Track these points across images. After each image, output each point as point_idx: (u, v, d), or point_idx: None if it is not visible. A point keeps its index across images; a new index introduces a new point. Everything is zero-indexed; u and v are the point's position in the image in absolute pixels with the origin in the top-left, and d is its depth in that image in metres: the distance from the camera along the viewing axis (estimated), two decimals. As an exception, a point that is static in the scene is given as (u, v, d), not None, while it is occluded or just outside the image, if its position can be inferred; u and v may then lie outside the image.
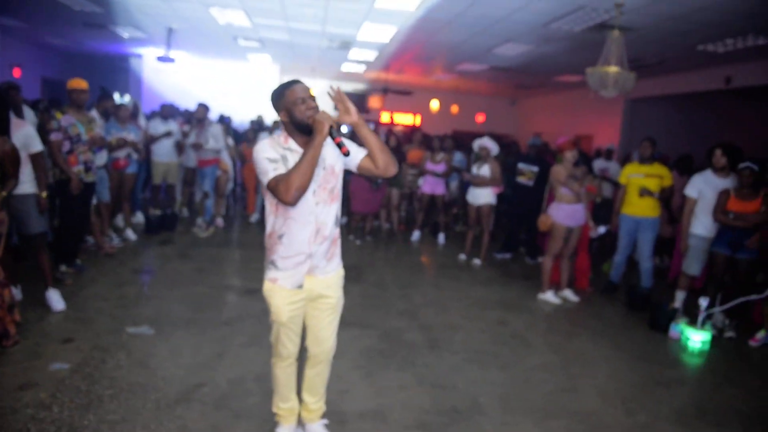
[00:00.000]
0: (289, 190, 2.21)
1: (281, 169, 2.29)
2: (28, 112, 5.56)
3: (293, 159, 2.33)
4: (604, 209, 6.95)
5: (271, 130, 8.61)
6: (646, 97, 11.06)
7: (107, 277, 5.21)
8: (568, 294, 5.74)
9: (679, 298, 5.37)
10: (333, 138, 2.32)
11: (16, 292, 4.35)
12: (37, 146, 4.10)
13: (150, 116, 8.39)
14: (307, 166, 2.23)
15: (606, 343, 4.57)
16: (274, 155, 2.32)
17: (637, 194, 5.75)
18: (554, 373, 3.88)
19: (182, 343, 3.85)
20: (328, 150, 2.43)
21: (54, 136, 4.69)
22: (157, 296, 4.83)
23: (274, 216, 2.43)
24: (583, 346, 4.50)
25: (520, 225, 7.60)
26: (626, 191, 5.92)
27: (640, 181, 5.76)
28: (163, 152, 7.58)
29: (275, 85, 2.44)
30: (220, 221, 7.94)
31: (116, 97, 14.42)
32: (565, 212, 5.46)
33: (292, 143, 2.38)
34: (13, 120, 3.87)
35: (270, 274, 2.48)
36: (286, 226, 2.40)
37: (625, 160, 8.56)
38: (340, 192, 2.51)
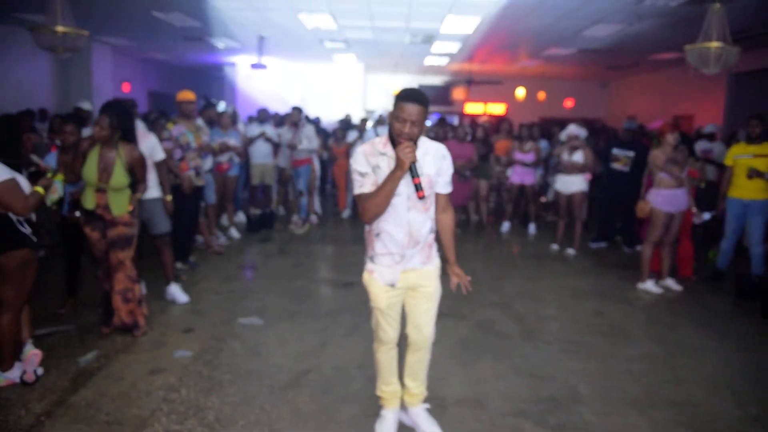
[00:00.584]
0: (365, 213, 2.48)
1: (367, 185, 2.46)
2: (140, 124, 6.10)
3: (385, 164, 2.46)
4: (709, 193, 6.57)
5: (359, 128, 8.84)
6: (752, 71, 10.24)
7: (217, 272, 5.64)
8: (670, 283, 5.51)
9: (797, 285, 5.00)
10: (413, 177, 2.39)
11: (142, 288, 4.84)
12: (161, 155, 4.56)
13: (248, 121, 8.90)
14: (386, 197, 2.41)
15: (712, 333, 4.37)
16: (364, 168, 2.47)
17: (744, 176, 5.40)
18: (656, 364, 3.77)
19: (288, 333, 4.12)
20: (431, 161, 2.54)
21: (166, 145, 5.15)
22: (262, 290, 5.18)
23: None
24: (687, 336, 4.33)
25: (615, 213, 7.34)
26: (733, 173, 5.58)
27: (749, 162, 5.41)
28: (260, 154, 8.03)
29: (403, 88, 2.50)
30: (314, 218, 8.30)
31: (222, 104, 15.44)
32: (664, 198, 5.23)
33: (389, 149, 2.49)
34: (138, 131, 4.31)
35: (368, 266, 2.66)
36: (379, 226, 2.56)
37: (729, 141, 8.00)
38: (433, 201, 2.61)
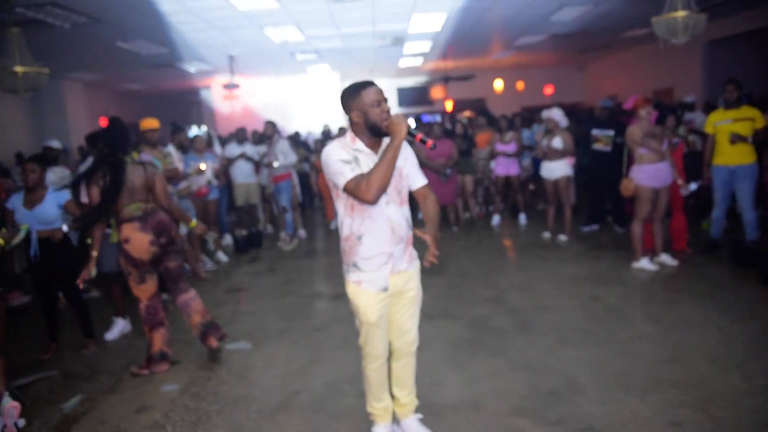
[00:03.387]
0: (370, 189, 2.26)
1: (357, 170, 2.33)
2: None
3: (364, 160, 2.37)
4: (695, 164, 6.49)
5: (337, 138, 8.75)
6: (724, 38, 10.21)
7: (204, 298, 5.39)
8: (665, 259, 5.41)
9: (793, 247, 4.91)
10: (414, 137, 2.34)
11: (125, 323, 4.72)
12: None
13: (225, 141, 8.79)
14: (389, 166, 2.28)
15: (712, 305, 4.27)
16: (346, 156, 2.37)
17: (727, 142, 5.32)
18: (655, 343, 3.67)
19: (277, 353, 4.01)
20: (400, 154, 2.45)
21: None
22: (251, 311, 5.06)
23: (350, 218, 2.45)
24: (686, 311, 4.22)
25: (603, 194, 7.25)
26: (715, 141, 5.50)
27: (729, 128, 5.33)
28: (242, 174, 7.91)
29: (345, 86, 2.46)
30: (302, 233, 8.19)
31: (194, 128, 15.32)
32: (647, 173, 5.14)
33: (360, 144, 2.42)
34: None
35: (353, 276, 2.51)
36: (364, 227, 2.43)
37: (709, 109, 7.94)
38: (407, 194, 2.54)
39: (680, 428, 2.70)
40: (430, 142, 2.36)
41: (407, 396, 2.74)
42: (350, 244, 2.48)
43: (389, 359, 2.70)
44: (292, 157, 7.65)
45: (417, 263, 2.63)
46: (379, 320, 2.51)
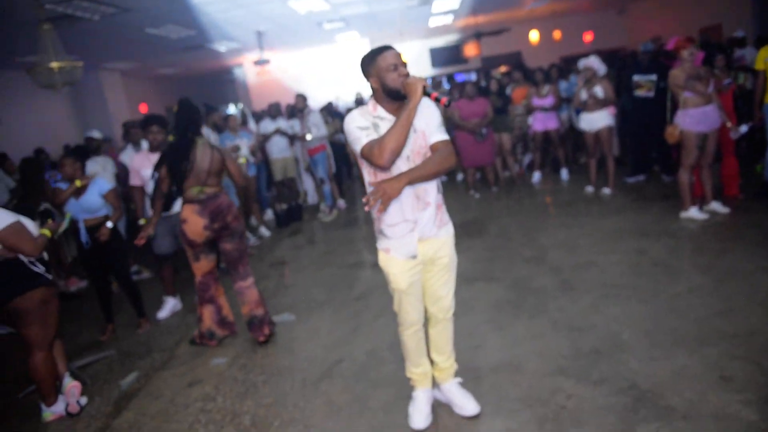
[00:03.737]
0: (383, 153, 2.23)
1: (373, 135, 2.31)
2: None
3: (384, 126, 2.34)
4: (747, 103, 6.12)
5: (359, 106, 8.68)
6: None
7: (249, 274, 5.65)
8: (716, 206, 5.17)
9: None
10: (428, 95, 2.29)
11: (176, 302, 4.89)
12: None
13: (258, 118, 8.86)
14: (402, 128, 2.24)
15: (764, 253, 4.06)
16: (364, 123, 2.35)
17: (780, 78, 4.98)
18: (704, 296, 3.53)
19: (320, 324, 4.08)
20: (419, 116, 2.40)
21: None
22: (294, 284, 5.16)
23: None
24: (738, 261, 4.03)
25: (649, 142, 6.95)
26: (765, 78, 5.16)
27: (783, 62, 4.98)
28: (277, 149, 7.98)
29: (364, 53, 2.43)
30: (341, 203, 8.23)
31: (230, 106, 15.50)
32: (693, 118, 4.88)
33: (381, 111, 2.39)
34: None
35: (382, 243, 2.51)
36: None
37: (761, 43, 7.41)
38: None
39: (730, 382, 2.61)
40: (444, 100, 2.29)
41: (446, 361, 2.74)
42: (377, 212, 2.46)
43: (426, 325, 2.70)
44: (323, 129, 7.64)
45: (450, 229, 2.59)
46: (410, 287, 2.50)
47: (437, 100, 2.31)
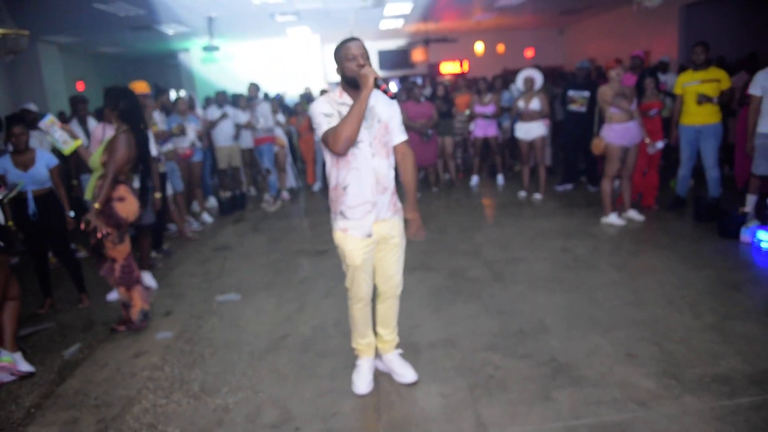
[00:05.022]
0: (338, 140, 2.44)
1: (334, 122, 2.51)
2: (92, 122, 6.05)
3: (347, 111, 2.52)
4: (667, 123, 6.75)
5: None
6: (700, 1, 10.38)
7: (192, 257, 5.70)
8: (633, 214, 5.70)
9: (750, 201, 5.20)
10: (378, 87, 2.48)
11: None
12: (153, 151, 4.69)
13: (205, 105, 8.82)
14: (354, 117, 2.43)
15: (673, 255, 4.57)
16: (328, 110, 2.55)
17: (694, 103, 5.56)
18: (618, 289, 3.96)
19: (265, 304, 4.23)
20: (383, 107, 2.64)
21: None
22: (238, 268, 5.26)
23: (336, 169, 2.64)
24: (649, 261, 4.53)
25: (578, 154, 7.50)
26: (683, 101, 5.74)
27: (697, 88, 5.57)
28: (224, 137, 8.00)
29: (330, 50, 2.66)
30: (285, 194, 8.33)
31: (173, 91, 15.15)
32: (617, 132, 5.39)
33: (346, 98, 2.60)
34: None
35: (339, 224, 2.71)
36: (350, 177, 2.61)
37: (682, 71, 8.16)
38: (392, 148, 2.71)
39: (635, 359, 2.99)
40: (390, 92, 2.49)
41: (390, 334, 2.98)
42: (337, 194, 2.67)
43: (375, 301, 2.93)
44: (270, 121, 7.75)
45: (400, 212, 2.83)
46: (363, 264, 2.72)
47: (385, 92, 2.51)
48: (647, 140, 5.59)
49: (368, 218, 2.65)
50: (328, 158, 2.66)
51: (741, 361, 2.88)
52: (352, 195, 2.63)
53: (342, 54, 2.54)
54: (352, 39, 2.57)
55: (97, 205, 3.63)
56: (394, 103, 2.70)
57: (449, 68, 16.25)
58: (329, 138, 2.48)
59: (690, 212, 5.72)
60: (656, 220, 5.65)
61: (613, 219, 5.62)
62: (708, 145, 5.63)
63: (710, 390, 2.66)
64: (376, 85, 2.47)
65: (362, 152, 2.57)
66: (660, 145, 5.72)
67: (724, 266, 4.27)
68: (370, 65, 2.52)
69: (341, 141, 2.44)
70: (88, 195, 4.16)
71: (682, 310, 3.55)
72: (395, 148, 2.74)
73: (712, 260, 4.41)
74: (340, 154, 2.50)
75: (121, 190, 3.79)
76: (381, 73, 15.70)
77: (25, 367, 3.38)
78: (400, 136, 2.73)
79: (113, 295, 4.71)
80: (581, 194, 7.15)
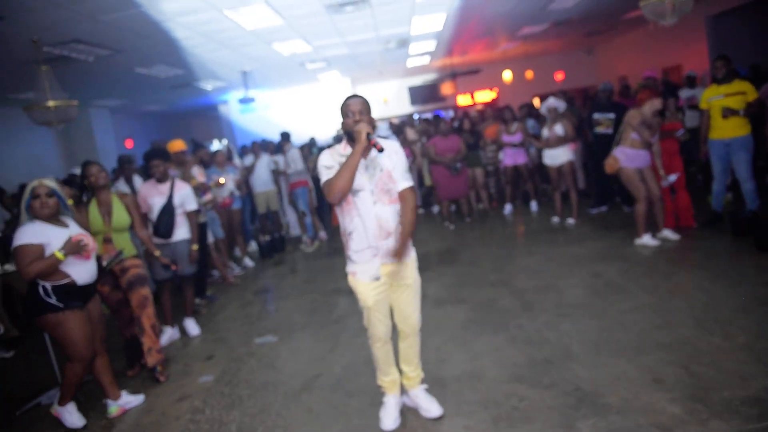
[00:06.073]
0: (331, 191, 2.65)
1: (332, 174, 2.69)
2: (138, 180, 6.45)
3: None
4: (693, 139, 6.67)
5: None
6: (727, 11, 10.24)
7: (234, 301, 5.95)
8: (668, 233, 5.62)
9: (789, 212, 5.08)
10: (369, 141, 2.66)
11: (174, 331, 5.01)
12: (193, 205, 4.99)
13: (241, 154, 9.26)
14: (347, 171, 2.62)
15: (706, 274, 4.49)
16: (330, 162, 2.74)
17: (720, 117, 5.52)
18: (648, 312, 3.93)
19: (301, 344, 4.39)
20: (386, 158, 2.80)
21: None
22: (277, 309, 5.46)
23: (342, 216, 2.83)
24: (681, 282, 4.47)
25: (609, 176, 7.44)
26: (710, 116, 5.70)
27: (722, 102, 5.53)
28: (261, 183, 8.38)
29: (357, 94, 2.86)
30: (323, 234, 8.58)
31: (215, 142, 15.89)
32: (626, 155, 5.49)
33: (348, 150, 2.78)
34: (177, 182, 4.92)
35: (349, 267, 2.88)
36: (352, 224, 2.79)
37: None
38: (396, 194, 2.83)
39: (662, 384, 2.97)
40: (378, 146, 2.64)
41: (413, 371, 3.08)
42: (345, 239, 2.86)
43: (396, 339, 3.04)
44: (299, 165, 8.09)
45: (413, 254, 2.95)
46: (376, 305, 2.85)
47: (374, 146, 2.67)
48: (661, 172, 5.65)
49: (374, 262, 2.79)
50: (337, 206, 2.83)
51: (772, 382, 2.83)
52: (356, 240, 2.79)
53: (343, 110, 2.74)
54: (353, 96, 2.76)
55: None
56: (400, 151, 2.85)
57: (464, 100, 16.45)
58: (325, 189, 2.68)
59: (728, 227, 5.59)
60: (692, 239, 5.56)
61: (647, 240, 5.56)
62: (739, 157, 5.55)
63: (739, 413, 2.63)
64: (368, 140, 2.64)
65: (363, 200, 2.73)
66: (672, 178, 5.69)
67: (758, 282, 4.17)
68: (366, 121, 2.70)
69: (334, 192, 2.64)
70: (129, 252, 4.33)
71: (712, 330, 3.50)
72: (399, 194, 2.85)
73: (746, 276, 4.31)
74: (334, 203, 2.71)
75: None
76: (412, 109, 16.10)
77: (76, 420, 3.60)
78: (403, 183, 2.85)
79: (162, 341, 4.96)
80: (616, 215, 7.08)
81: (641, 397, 2.88)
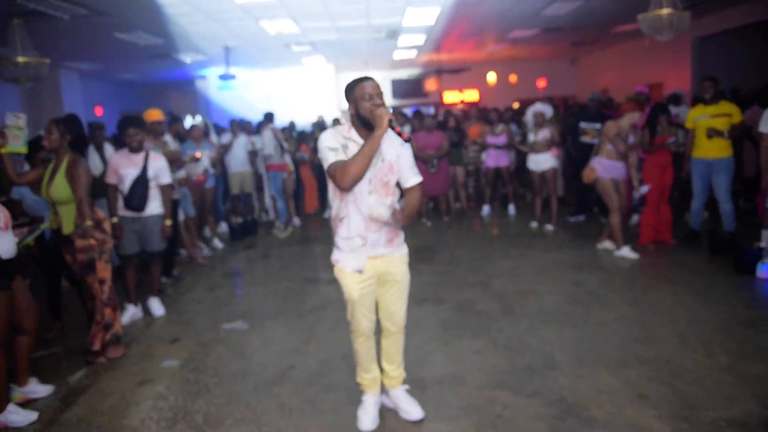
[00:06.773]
0: (345, 176, 2.45)
1: (341, 156, 2.52)
2: (109, 149, 6.13)
3: (353, 149, 2.55)
4: (677, 156, 6.71)
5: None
6: (714, 34, 10.40)
7: (202, 283, 5.71)
8: (626, 252, 5.59)
9: (766, 236, 5.13)
10: (393, 128, 2.49)
11: (136, 310, 4.72)
12: (166, 179, 4.68)
13: (219, 132, 8.95)
14: (365, 155, 2.45)
15: (686, 290, 4.50)
16: (334, 144, 2.56)
17: (705, 137, 5.56)
18: (629, 325, 3.90)
19: (273, 333, 4.21)
20: (389, 148, 2.65)
21: None
22: (247, 294, 5.26)
23: (337, 200, 2.67)
24: (661, 296, 4.46)
25: (590, 185, 7.45)
26: (694, 135, 5.73)
27: (707, 123, 5.57)
28: (237, 163, 8.10)
29: (348, 81, 2.65)
30: (296, 221, 8.37)
31: (188, 118, 15.43)
32: (603, 166, 5.57)
33: (354, 134, 2.62)
34: (151, 153, 4.59)
35: (334, 255, 2.74)
36: (346, 210, 2.64)
37: (696, 103, 8.15)
38: (394, 187, 2.70)
39: (646, 399, 2.92)
40: (405, 135, 2.51)
41: (395, 370, 2.94)
42: (335, 224, 2.71)
43: (380, 336, 2.90)
44: (270, 148, 7.87)
45: (404, 250, 2.81)
46: (361, 299, 2.70)
47: (399, 134, 2.53)
48: (635, 183, 5.68)
49: (359, 252, 2.65)
50: (331, 188, 2.67)
51: (757, 405, 2.80)
52: (345, 226, 2.65)
53: (357, 92, 2.56)
54: (367, 78, 2.58)
55: (90, 223, 3.75)
56: (405, 144, 2.70)
57: (451, 98, 16.37)
58: (337, 172, 2.48)
59: (705, 246, 5.64)
60: (670, 254, 5.59)
61: (626, 252, 5.56)
62: (720, 179, 5.60)
63: (725, 434, 2.59)
64: (391, 127, 2.48)
65: (360, 188, 2.57)
66: (644, 189, 5.73)
67: (738, 302, 4.19)
68: (384, 105, 2.54)
69: (348, 178, 2.45)
70: (67, 229, 3.88)
71: (694, 348, 3.48)
72: (405, 191, 2.73)
73: (726, 296, 4.33)
74: (347, 190, 2.52)
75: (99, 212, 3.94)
76: (393, 102, 15.95)
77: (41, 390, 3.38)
78: (411, 178, 2.72)
79: (123, 320, 4.70)
80: (594, 225, 7.09)
81: (627, 412, 2.82)
